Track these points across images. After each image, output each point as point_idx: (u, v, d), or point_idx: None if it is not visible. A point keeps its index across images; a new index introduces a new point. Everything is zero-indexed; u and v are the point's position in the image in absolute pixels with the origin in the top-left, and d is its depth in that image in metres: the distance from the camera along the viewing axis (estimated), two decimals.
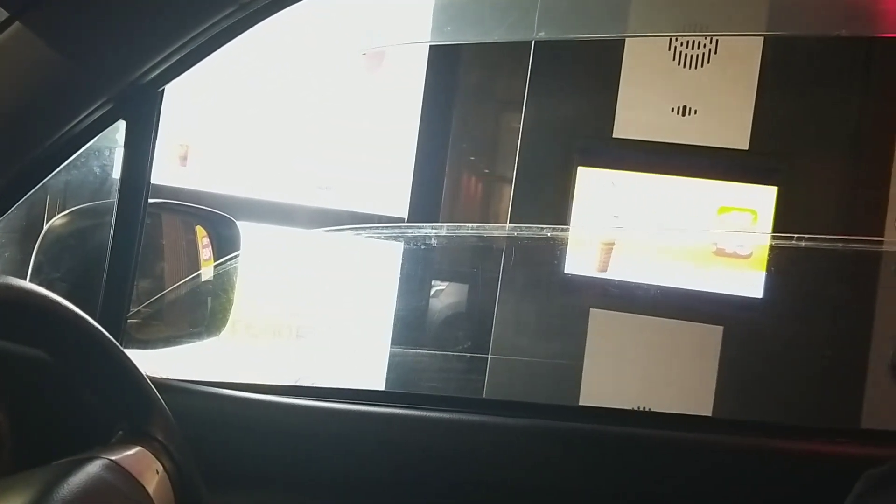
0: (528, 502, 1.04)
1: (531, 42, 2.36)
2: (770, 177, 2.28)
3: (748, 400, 2.23)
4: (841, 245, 2.15)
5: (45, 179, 0.84)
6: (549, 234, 2.36)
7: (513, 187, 2.40)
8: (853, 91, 2.24)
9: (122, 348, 0.73)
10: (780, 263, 2.25)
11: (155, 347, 1.11)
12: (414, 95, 2.72)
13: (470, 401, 1.20)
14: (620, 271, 2.32)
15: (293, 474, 1.02)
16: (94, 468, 0.65)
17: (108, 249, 0.93)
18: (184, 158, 4.17)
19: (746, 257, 2.26)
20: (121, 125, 0.90)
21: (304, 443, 1.02)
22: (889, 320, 2.17)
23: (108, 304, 0.93)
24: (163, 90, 0.91)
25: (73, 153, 0.85)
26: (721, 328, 2.26)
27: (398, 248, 2.62)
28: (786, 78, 2.26)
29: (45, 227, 1.00)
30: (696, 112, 2.27)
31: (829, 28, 1.91)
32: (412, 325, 2.66)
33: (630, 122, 2.31)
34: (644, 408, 2.17)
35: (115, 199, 0.94)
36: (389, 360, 2.56)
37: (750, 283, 2.25)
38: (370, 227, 2.59)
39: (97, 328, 0.70)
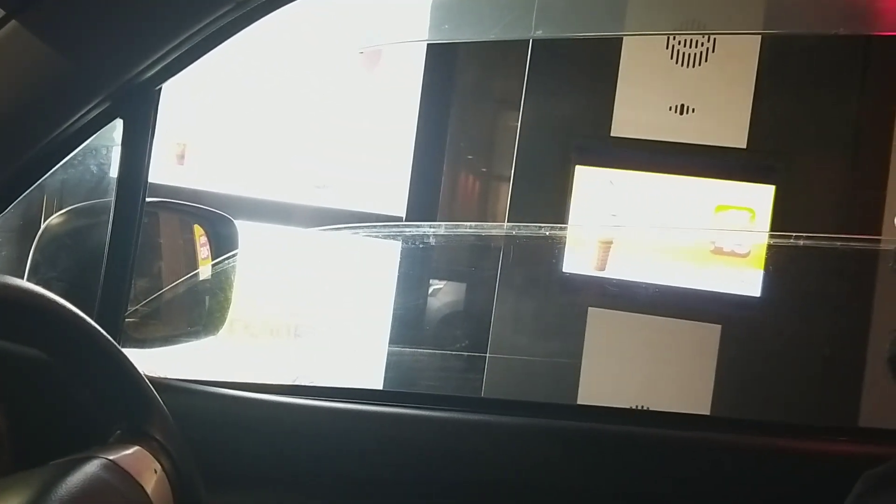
0: (526, 501, 1.04)
1: (528, 41, 2.36)
2: (768, 175, 2.28)
3: (746, 399, 2.24)
4: (838, 244, 2.15)
5: (42, 178, 0.84)
6: (546, 233, 2.36)
7: (510, 186, 2.40)
8: (851, 89, 2.24)
9: (119, 347, 0.73)
10: (778, 262, 2.25)
11: (153, 346, 1.11)
12: (411, 94, 2.72)
13: (468, 400, 1.20)
14: (618, 270, 2.32)
15: (292, 473, 1.02)
16: (92, 468, 0.65)
17: (106, 248, 0.93)
18: (181, 157, 4.17)
19: (744, 256, 2.26)
20: (118, 124, 0.90)
21: (303, 442, 1.02)
22: (887, 319, 2.17)
23: (105, 303, 0.93)
24: (160, 89, 0.91)
25: (70, 152, 0.85)
26: (719, 327, 2.26)
27: (396, 246, 2.62)
28: (784, 76, 2.26)
29: (42, 226, 1.00)
30: (693, 111, 2.27)
31: (826, 26, 1.91)
32: (410, 323, 2.66)
33: (628, 121, 2.31)
34: (642, 406, 2.18)
35: (112, 198, 0.93)
36: (388, 359, 2.55)
37: (748, 281, 2.25)
38: (368, 226, 2.59)
39: (95, 327, 0.70)
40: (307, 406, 1.03)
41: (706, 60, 2.27)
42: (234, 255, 1.18)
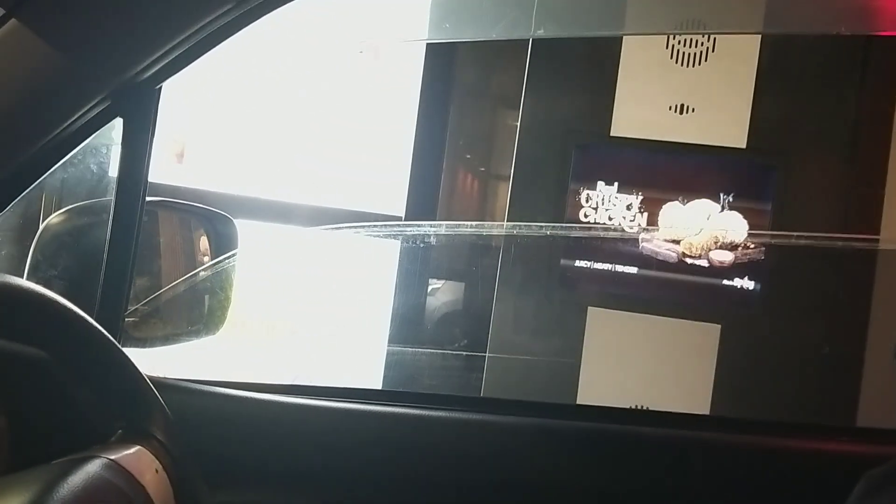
0: (525, 500, 1.04)
1: (528, 40, 2.36)
2: (767, 175, 2.28)
3: (746, 398, 2.24)
4: (837, 243, 2.16)
5: (43, 177, 0.84)
6: (546, 233, 2.36)
7: (510, 185, 2.40)
8: (850, 89, 2.24)
9: (120, 347, 0.73)
10: (778, 261, 2.25)
11: (153, 346, 1.11)
12: (411, 93, 2.72)
13: (467, 399, 1.20)
14: (618, 270, 2.32)
15: (291, 472, 1.02)
16: (93, 467, 0.65)
17: (106, 247, 0.93)
18: (180, 156, 4.17)
19: (743, 255, 2.26)
20: (118, 123, 0.90)
21: (302, 441, 1.02)
22: (885, 318, 2.18)
23: (105, 302, 0.93)
24: (160, 88, 0.91)
25: (70, 151, 0.85)
26: (719, 326, 2.26)
27: (395, 246, 2.62)
28: (783, 76, 2.27)
29: (42, 225, 1.00)
30: (693, 110, 2.28)
31: (826, 26, 1.91)
32: (410, 323, 2.66)
33: (627, 120, 2.31)
34: (642, 406, 2.18)
35: (112, 196, 0.93)
36: (387, 358, 2.55)
37: (747, 281, 2.25)
38: (367, 226, 2.58)
39: (95, 326, 0.70)
40: (307, 405, 1.03)
41: (706, 60, 2.27)
42: (233, 255, 1.18)
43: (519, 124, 2.39)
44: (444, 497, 1.03)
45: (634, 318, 2.30)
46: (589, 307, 2.32)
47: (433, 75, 2.69)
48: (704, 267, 2.27)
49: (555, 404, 1.30)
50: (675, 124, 2.28)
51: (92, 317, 0.70)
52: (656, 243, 2.31)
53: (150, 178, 0.95)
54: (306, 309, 3.36)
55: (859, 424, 2.19)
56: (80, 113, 0.82)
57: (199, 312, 1.18)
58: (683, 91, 2.28)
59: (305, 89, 3.89)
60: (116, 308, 0.94)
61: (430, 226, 2.64)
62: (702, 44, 2.27)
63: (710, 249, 2.27)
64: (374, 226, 2.60)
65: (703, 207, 2.28)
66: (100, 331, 0.70)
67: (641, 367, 2.30)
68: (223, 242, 1.17)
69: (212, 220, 1.18)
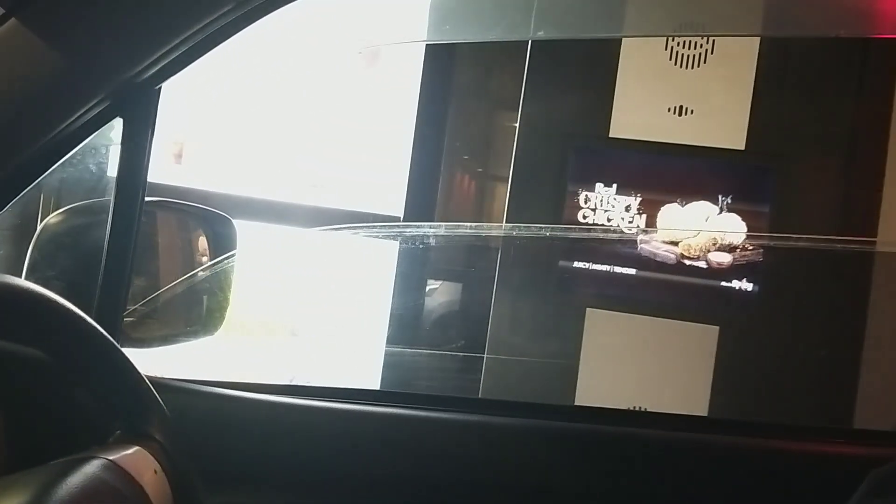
0: (523, 502, 1.04)
1: (528, 41, 2.36)
2: (765, 176, 2.28)
3: (744, 399, 2.24)
4: (835, 245, 2.16)
5: (42, 177, 0.84)
6: (545, 234, 2.36)
7: (509, 186, 2.40)
8: (849, 91, 2.25)
9: (118, 347, 0.73)
10: (776, 263, 2.25)
11: (151, 346, 1.10)
12: (410, 94, 2.72)
13: (466, 400, 1.21)
14: (617, 271, 2.32)
15: (290, 473, 1.01)
16: (91, 468, 0.64)
17: (105, 248, 0.93)
18: (178, 156, 4.16)
19: (742, 257, 2.26)
20: (117, 123, 0.90)
21: (300, 442, 1.02)
22: (882, 320, 2.18)
23: (104, 302, 0.93)
24: (160, 88, 0.91)
25: (69, 151, 0.85)
26: (717, 328, 2.26)
27: (394, 247, 2.62)
28: (782, 78, 2.27)
29: (41, 225, 0.99)
30: (692, 112, 2.28)
31: (826, 29, 1.92)
32: (408, 324, 2.66)
33: (626, 122, 2.31)
34: (640, 407, 2.18)
35: (111, 197, 0.93)
36: (385, 359, 2.55)
37: (746, 283, 2.26)
38: (366, 227, 2.58)
39: (94, 327, 0.70)
40: (305, 406, 1.03)
41: (705, 62, 2.27)
42: (232, 255, 1.18)
43: (518, 125, 2.39)
44: (442, 498, 1.03)
45: (633, 319, 2.30)
46: (587, 308, 2.32)
47: (432, 76, 2.69)
48: (703, 268, 2.27)
49: (553, 406, 1.30)
50: (673, 126, 2.28)
51: (90, 317, 0.70)
52: (655, 245, 2.31)
53: (149, 179, 0.95)
54: (305, 309, 3.36)
55: (857, 426, 2.20)
56: (80, 113, 0.82)
57: (197, 313, 1.18)
58: (682, 93, 2.28)
59: (304, 90, 3.89)
60: (115, 308, 0.94)
61: (429, 227, 2.63)
62: (701, 46, 2.27)
63: (708, 251, 2.27)
64: (373, 226, 2.60)
65: (702, 209, 2.28)
66: (98, 331, 0.70)
67: (640, 368, 2.30)
68: (222, 243, 1.17)
69: (210, 221, 1.18)
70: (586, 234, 2.33)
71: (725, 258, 2.26)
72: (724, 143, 2.24)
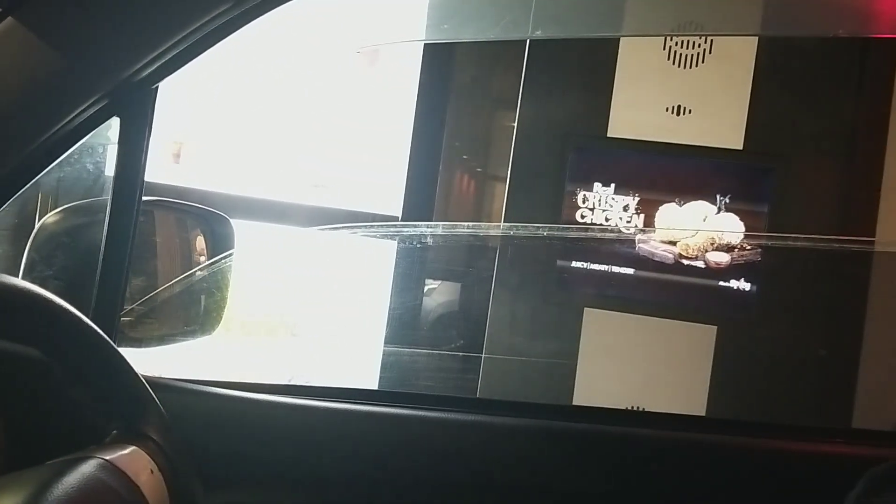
0: (521, 501, 1.04)
1: (526, 41, 2.36)
2: (764, 176, 2.29)
3: (742, 399, 2.24)
4: (834, 245, 2.16)
5: (38, 176, 0.84)
6: (543, 233, 2.36)
7: (507, 186, 2.40)
8: (847, 91, 2.25)
9: (116, 347, 0.73)
10: (774, 263, 2.25)
11: (149, 346, 1.10)
12: (408, 94, 2.72)
13: (464, 400, 1.20)
14: (615, 271, 2.32)
15: (288, 473, 1.01)
16: (88, 468, 0.64)
17: (102, 247, 0.93)
18: (177, 156, 4.16)
19: (740, 257, 2.26)
20: (114, 122, 0.89)
21: (299, 442, 1.02)
22: (881, 319, 2.18)
23: (101, 302, 0.93)
24: (157, 87, 0.91)
25: (67, 150, 0.85)
26: (715, 328, 2.26)
27: (392, 246, 2.62)
28: (780, 78, 2.27)
29: (38, 225, 0.99)
30: (690, 112, 2.28)
31: (824, 29, 1.92)
32: (406, 323, 2.66)
33: (624, 122, 2.31)
34: (638, 407, 2.18)
35: (108, 196, 0.93)
36: (383, 358, 2.55)
37: (743, 283, 2.26)
38: (364, 226, 2.58)
39: (91, 326, 0.70)
40: (303, 406, 1.03)
41: (703, 62, 2.27)
42: (230, 255, 1.18)
43: (516, 125, 2.39)
44: (442, 497, 1.03)
45: (631, 319, 2.30)
46: (585, 308, 2.33)
47: (431, 76, 2.69)
48: (701, 268, 2.28)
49: (551, 405, 1.30)
50: (671, 126, 2.28)
51: (87, 316, 0.70)
52: (653, 244, 2.31)
53: (147, 178, 0.95)
54: (303, 309, 3.36)
55: (855, 426, 2.20)
56: (77, 112, 0.82)
57: (195, 312, 1.18)
58: (680, 92, 2.28)
59: (302, 89, 3.89)
60: (112, 308, 0.94)
61: (427, 226, 2.63)
62: (699, 45, 2.27)
63: (706, 251, 2.28)
64: (371, 226, 2.60)
65: (700, 209, 2.28)
66: (95, 331, 0.70)
67: (638, 368, 2.30)
68: (220, 242, 1.17)
69: (208, 220, 1.18)
70: (584, 233, 2.33)
71: (723, 258, 2.26)
72: (722, 142, 2.25)
